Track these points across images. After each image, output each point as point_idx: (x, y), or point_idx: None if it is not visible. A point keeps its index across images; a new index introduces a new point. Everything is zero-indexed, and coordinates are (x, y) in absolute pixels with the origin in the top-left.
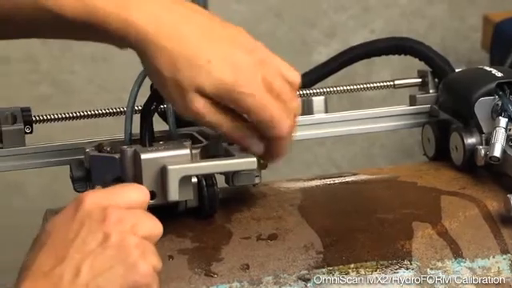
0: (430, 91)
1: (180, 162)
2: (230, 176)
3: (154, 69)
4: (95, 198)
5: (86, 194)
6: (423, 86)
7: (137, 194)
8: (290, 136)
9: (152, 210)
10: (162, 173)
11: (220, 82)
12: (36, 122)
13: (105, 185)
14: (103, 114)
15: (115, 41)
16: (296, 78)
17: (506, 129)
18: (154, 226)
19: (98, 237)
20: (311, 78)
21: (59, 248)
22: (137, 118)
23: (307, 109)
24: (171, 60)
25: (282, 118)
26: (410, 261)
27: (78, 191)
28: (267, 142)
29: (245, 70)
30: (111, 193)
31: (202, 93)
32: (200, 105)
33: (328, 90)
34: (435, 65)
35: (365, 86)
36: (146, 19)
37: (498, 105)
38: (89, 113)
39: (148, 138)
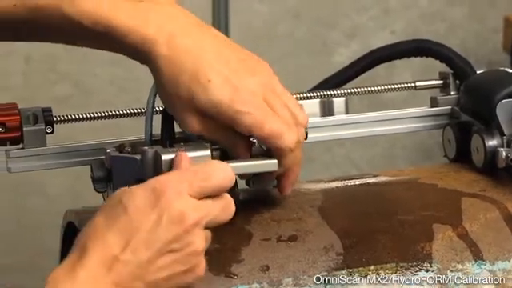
0: (452, 93)
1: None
2: (250, 177)
3: (160, 84)
4: (177, 189)
5: (169, 181)
6: (444, 88)
7: (223, 177)
8: (297, 147)
9: None
10: None
11: (217, 102)
12: (57, 122)
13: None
14: (124, 115)
15: (130, 54)
16: (302, 117)
17: None
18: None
19: (169, 236)
20: (335, 83)
21: (133, 232)
22: (157, 118)
23: (328, 110)
24: (175, 77)
25: (282, 130)
26: (430, 263)
27: (98, 191)
28: (279, 159)
29: (245, 90)
30: (195, 179)
31: (201, 111)
32: (196, 123)
33: (349, 91)
34: (456, 66)
35: (386, 87)
36: (162, 38)
37: None
38: (110, 113)
39: (169, 139)
